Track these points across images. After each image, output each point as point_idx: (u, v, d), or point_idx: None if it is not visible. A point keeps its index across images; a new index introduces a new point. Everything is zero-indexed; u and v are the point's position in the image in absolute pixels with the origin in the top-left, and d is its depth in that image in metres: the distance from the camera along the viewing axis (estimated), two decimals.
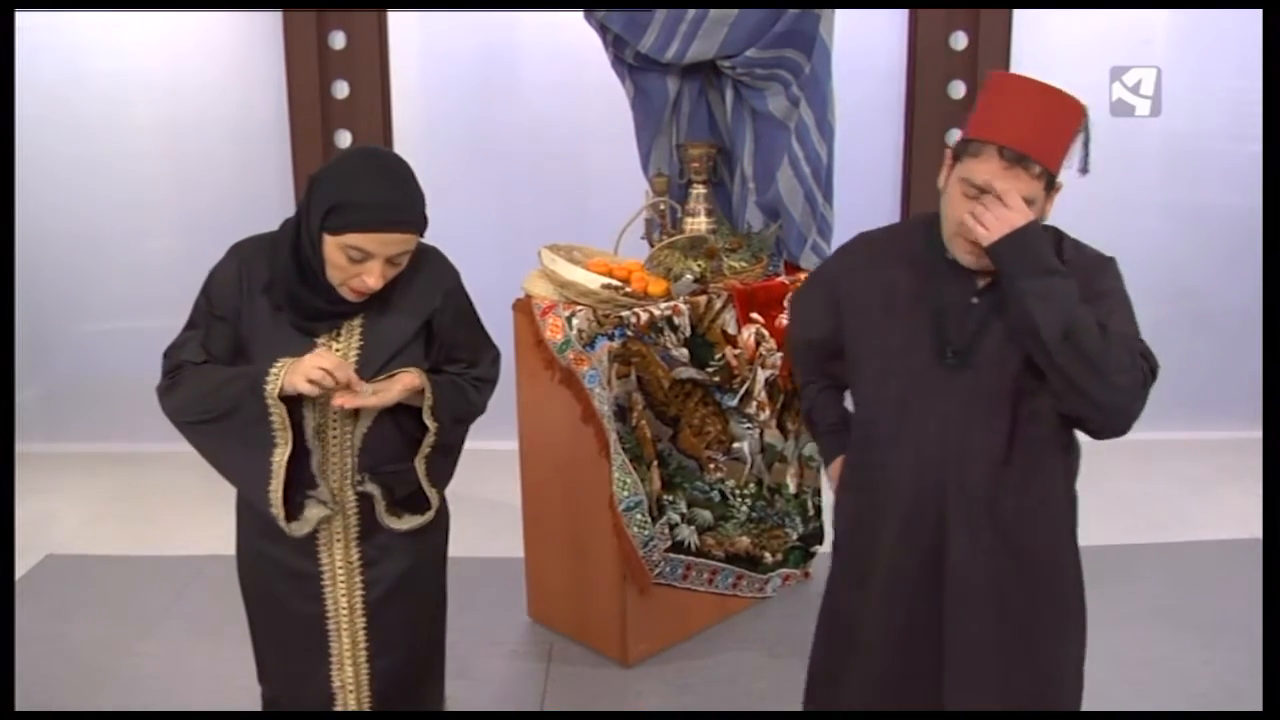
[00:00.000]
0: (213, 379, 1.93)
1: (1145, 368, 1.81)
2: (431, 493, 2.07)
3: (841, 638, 2.11)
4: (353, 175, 1.87)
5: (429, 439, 2.02)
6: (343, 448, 1.99)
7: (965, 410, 1.88)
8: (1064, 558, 2.00)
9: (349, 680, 2.10)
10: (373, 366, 1.95)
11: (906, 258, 1.97)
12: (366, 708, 2.11)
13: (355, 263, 1.87)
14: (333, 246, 1.86)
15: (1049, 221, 1.88)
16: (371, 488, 2.01)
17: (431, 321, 2.03)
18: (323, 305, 1.93)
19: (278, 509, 1.94)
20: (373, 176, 1.88)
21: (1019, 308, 1.77)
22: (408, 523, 2.06)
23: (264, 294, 1.95)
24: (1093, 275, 1.87)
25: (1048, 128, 1.78)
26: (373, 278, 1.88)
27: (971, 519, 1.90)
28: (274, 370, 1.88)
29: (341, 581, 2.05)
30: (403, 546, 2.08)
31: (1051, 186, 1.82)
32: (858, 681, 2.07)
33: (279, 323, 1.94)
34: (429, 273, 2.04)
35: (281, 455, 1.91)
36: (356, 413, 1.96)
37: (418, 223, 1.91)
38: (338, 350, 1.94)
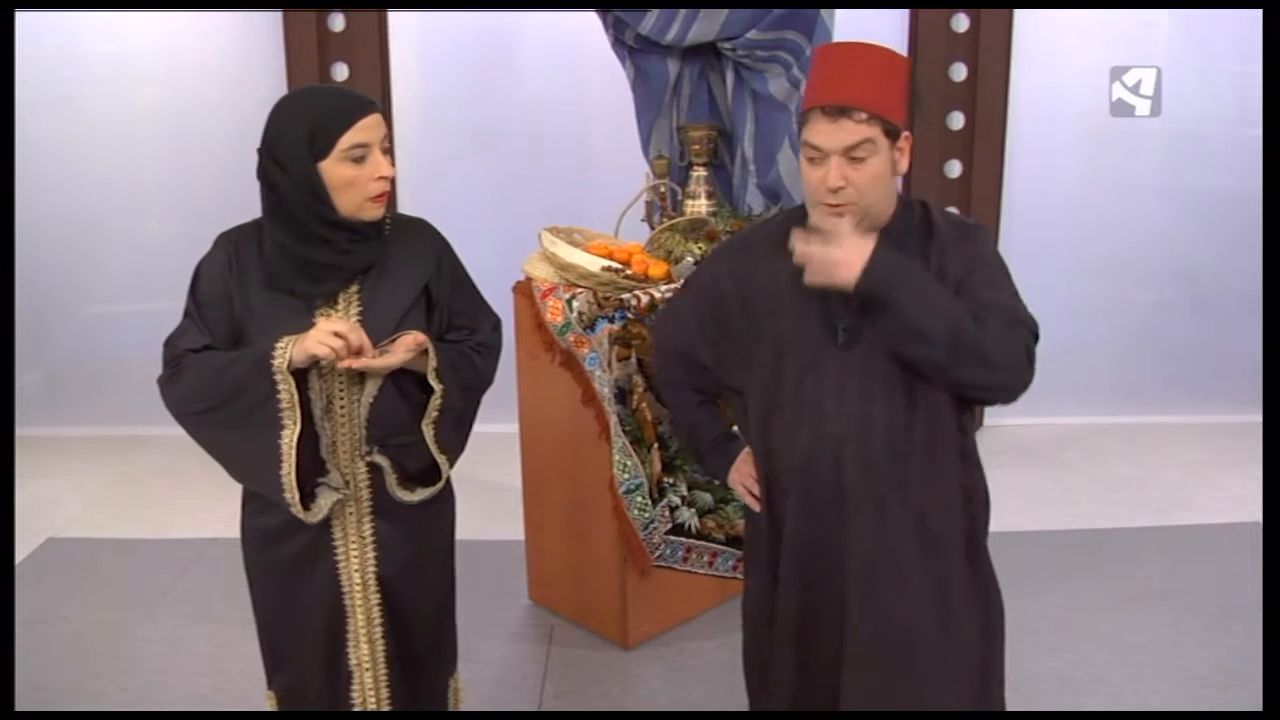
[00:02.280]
0: (214, 363, 1.92)
1: (1026, 335, 1.82)
2: (441, 459, 2.06)
3: (759, 630, 2.12)
4: (298, 105, 1.94)
5: (435, 401, 2.00)
6: (351, 419, 1.98)
7: (864, 384, 1.88)
8: (977, 528, 1.99)
9: (365, 658, 2.10)
10: (375, 336, 1.94)
11: (784, 249, 1.95)
12: (383, 684, 2.12)
13: (361, 165, 1.89)
14: (335, 165, 1.88)
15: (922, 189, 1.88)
16: (381, 459, 2.00)
17: (430, 289, 2.04)
18: (330, 257, 1.93)
19: (291, 493, 1.92)
20: (311, 93, 2.05)
21: (905, 322, 1.77)
22: (420, 495, 2.07)
23: (259, 278, 1.95)
24: (965, 243, 1.89)
25: (865, 77, 1.80)
26: (383, 167, 1.92)
27: (875, 491, 1.89)
28: (280, 345, 1.87)
29: (355, 556, 2.06)
30: (414, 522, 2.08)
31: (896, 135, 1.81)
32: (779, 672, 2.08)
33: (274, 300, 1.94)
34: (420, 240, 2.07)
35: (291, 436, 1.89)
36: (363, 381, 1.96)
37: (378, 104, 1.98)
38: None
